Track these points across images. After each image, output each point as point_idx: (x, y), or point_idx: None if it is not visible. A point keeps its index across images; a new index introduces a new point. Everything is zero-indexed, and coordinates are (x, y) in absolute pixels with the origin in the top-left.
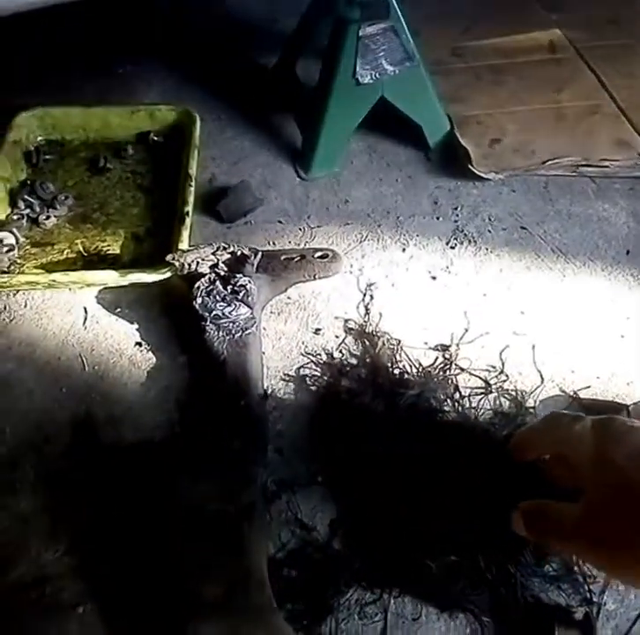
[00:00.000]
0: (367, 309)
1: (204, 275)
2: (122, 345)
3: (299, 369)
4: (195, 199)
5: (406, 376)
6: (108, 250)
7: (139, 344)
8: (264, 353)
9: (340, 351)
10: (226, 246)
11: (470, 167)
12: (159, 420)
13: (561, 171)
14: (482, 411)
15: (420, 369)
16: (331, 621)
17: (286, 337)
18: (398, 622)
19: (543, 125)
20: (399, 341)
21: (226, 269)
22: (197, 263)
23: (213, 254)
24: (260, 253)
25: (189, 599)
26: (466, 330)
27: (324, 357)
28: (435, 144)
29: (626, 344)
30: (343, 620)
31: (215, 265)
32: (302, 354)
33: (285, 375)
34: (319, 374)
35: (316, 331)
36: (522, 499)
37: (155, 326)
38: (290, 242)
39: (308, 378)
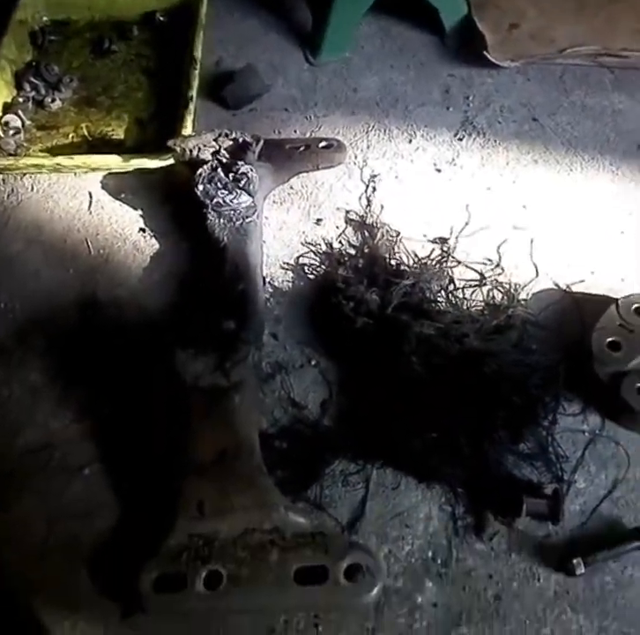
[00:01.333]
0: (368, 200)
1: (206, 162)
2: (126, 230)
3: (298, 258)
4: (200, 83)
5: (403, 267)
6: (113, 134)
7: (143, 230)
8: (264, 241)
9: (340, 241)
10: (229, 133)
11: (485, 53)
12: (161, 302)
13: (580, 60)
14: (475, 302)
15: (417, 261)
16: (317, 487)
17: (288, 226)
18: (378, 490)
19: (564, 11)
20: (399, 233)
21: (228, 156)
22: (199, 149)
23: (215, 140)
24: (262, 140)
25: (184, 462)
26: (467, 223)
27: (324, 247)
28: (451, 28)
29: (625, 240)
30: (328, 487)
31: (217, 152)
32: (302, 244)
33: (284, 263)
34: (318, 263)
35: (317, 221)
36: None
37: (159, 212)
38: (296, 131)
39: (306, 267)
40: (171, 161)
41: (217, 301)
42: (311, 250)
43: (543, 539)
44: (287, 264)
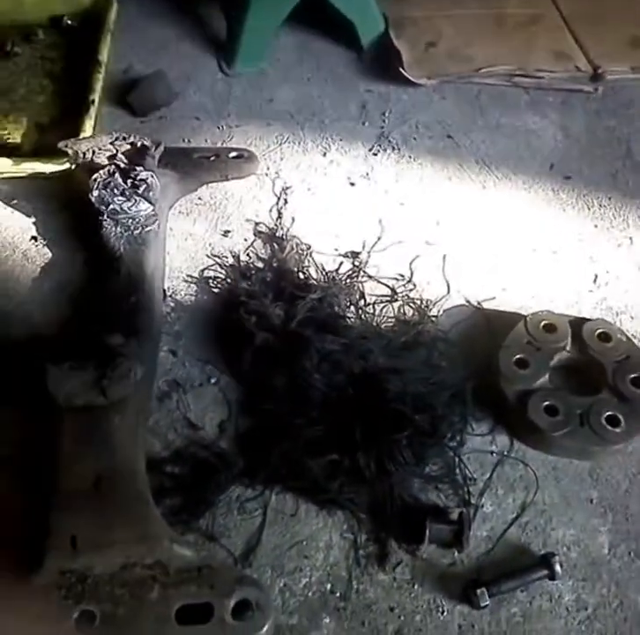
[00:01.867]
0: (279, 213)
1: (103, 167)
2: (16, 239)
3: (203, 270)
4: (107, 90)
5: (311, 281)
6: (8, 138)
7: (35, 238)
8: (168, 253)
9: (248, 254)
10: (127, 136)
11: (402, 70)
12: (50, 316)
13: (495, 80)
14: (385, 318)
15: (326, 275)
16: (210, 516)
17: (194, 238)
18: (276, 517)
19: (481, 31)
20: (309, 247)
21: (125, 161)
22: (93, 152)
23: (112, 144)
24: (162, 145)
25: (55, 490)
26: (379, 238)
27: (230, 260)
28: (369, 44)
29: (536, 257)
30: (222, 515)
31: (114, 156)
32: (208, 256)
33: (188, 276)
34: (223, 276)
35: (225, 233)
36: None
37: (54, 221)
38: (206, 140)
39: (211, 280)
40: (67, 166)
41: (105, 313)
42: (217, 263)
43: (448, 567)
44: (191, 277)
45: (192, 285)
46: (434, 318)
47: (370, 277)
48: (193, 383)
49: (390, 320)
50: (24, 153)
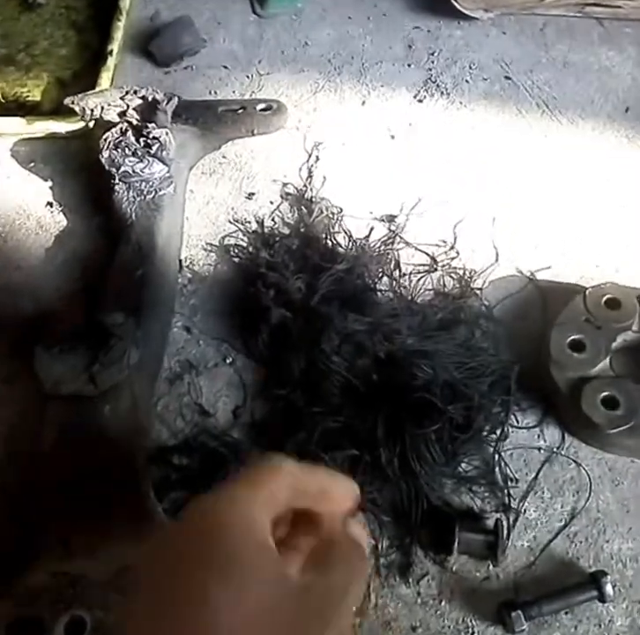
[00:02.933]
0: (310, 172)
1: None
2: (30, 205)
3: (223, 238)
4: (131, 39)
5: (340, 249)
6: (28, 96)
7: (51, 204)
8: (187, 218)
9: (273, 219)
10: (138, 89)
11: (454, 2)
12: (62, 289)
13: (564, 10)
14: (421, 292)
15: (355, 242)
16: None
17: (215, 201)
18: None
19: None
20: (340, 210)
21: (137, 118)
22: (102, 108)
23: (122, 98)
24: (176, 98)
25: (44, 487)
26: (419, 199)
27: (254, 225)
28: None
29: (603, 218)
30: None
31: (124, 113)
32: (230, 222)
33: (207, 244)
34: (245, 245)
35: (249, 195)
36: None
37: (71, 185)
38: (234, 91)
39: (231, 249)
40: (83, 124)
41: (108, 288)
42: (239, 229)
43: (481, 583)
44: (211, 244)
45: (212, 254)
46: (478, 291)
47: (407, 243)
48: (207, 363)
49: (427, 294)
50: (44, 112)
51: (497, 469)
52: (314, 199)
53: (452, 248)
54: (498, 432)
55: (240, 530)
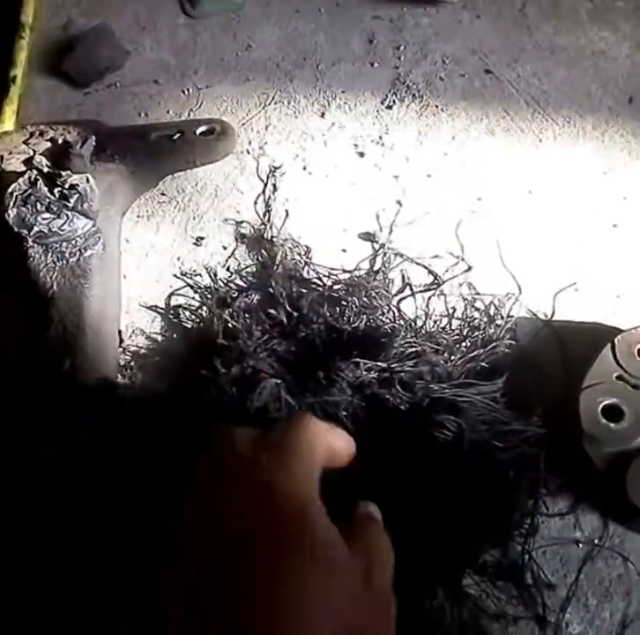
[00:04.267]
0: (267, 205)
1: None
2: None
3: (169, 297)
4: (39, 58)
5: (315, 292)
6: None
7: None
8: (125, 277)
9: (228, 268)
10: (44, 129)
11: None
12: None
13: None
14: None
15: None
16: None
17: (157, 251)
18: None
19: None
20: (308, 250)
21: (48, 163)
22: (1, 158)
23: (25, 143)
24: (92, 138)
25: None
26: (392, 225)
27: (206, 278)
28: None
29: (618, 236)
30: None
31: (30, 160)
32: (176, 277)
33: (151, 307)
34: (197, 304)
35: (198, 240)
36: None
37: None
38: (169, 111)
39: (181, 312)
40: None
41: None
42: (188, 284)
43: None
44: (155, 307)
45: (157, 318)
46: (508, 329)
47: (403, 256)
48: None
49: (441, 321)
50: None
51: (528, 572)
52: (275, 239)
53: (463, 260)
54: (527, 524)
55: (311, 506)
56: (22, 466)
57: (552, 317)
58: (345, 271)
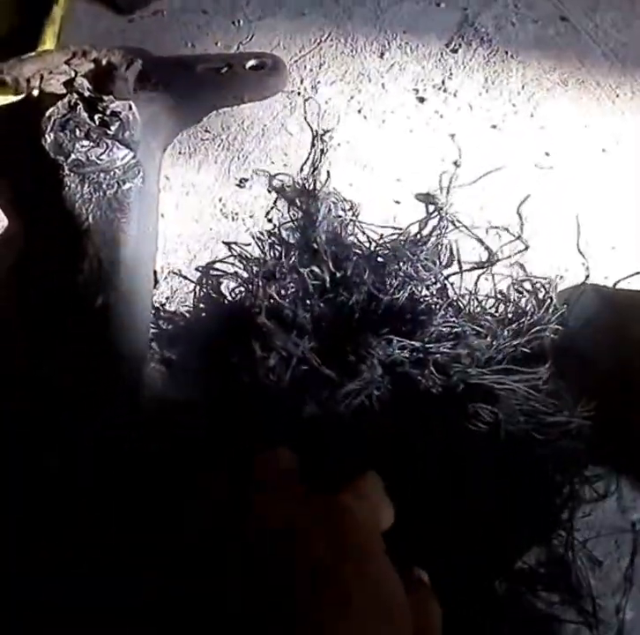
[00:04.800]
0: (314, 162)
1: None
2: None
3: (210, 264)
4: None
5: (360, 255)
6: None
7: None
8: (162, 216)
9: (269, 219)
10: (88, 50)
11: None
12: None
13: None
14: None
15: (382, 241)
16: None
17: (198, 191)
18: None
19: None
20: (353, 205)
21: (90, 88)
22: (42, 77)
23: (67, 63)
24: (139, 61)
25: None
26: (453, 177)
27: (248, 225)
28: None
29: None
30: None
31: (71, 82)
32: (217, 218)
33: (189, 249)
34: (236, 255)
35: (241, 182)
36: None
37: (6, 178)
38: (217, 43)
39: (216, 278)
40: (18, 98)
41: (57, 324)
42: (230, 249)
43: None
44: (194, 250)
45: (196, 258)
46: (559, 310)
47: (465, 226)
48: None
49: (486, 302)
50: None
51: (573, 566)
52: (319, 193)
53: (519, 237)
54: (567, 511)
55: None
56: (25, 475)
57: (614, 298)
58: (394, 229)
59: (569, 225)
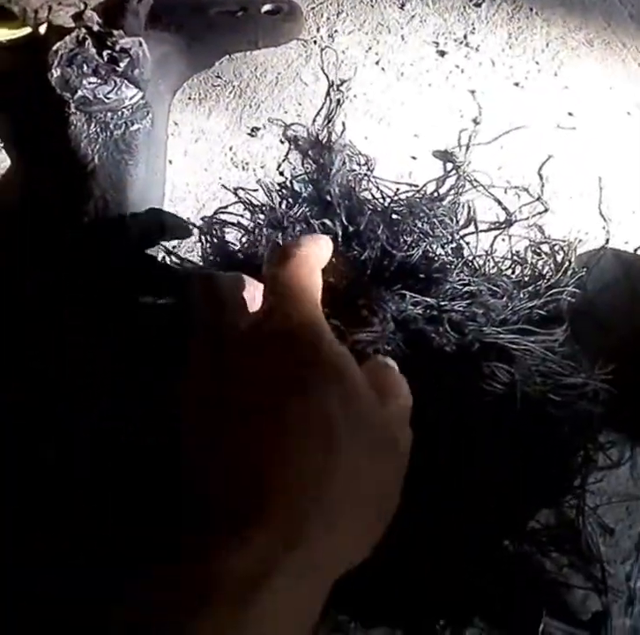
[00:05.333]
0: (329, 113)
1: (70, 31)
2: None
3: (217, 211)
4: None
5: (374, 210)
6: None
7: None
8: (170, 162)
9: (281, 172)
10: None
11: None
12: None
13: None
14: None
15: (396, 195)
16: None
17: (208, 138)
18: None
19: None
20: (368, 160)
21: (99, 22)
22: (50, 8)
23: None
24: None
25: None
26: (473, 134)
27: (258, 176)
28: None
29: None
30: None
31: (80, 15)
32: (227, 167)
33: (198, 198)
34: (243, 202)
35: (253, 130)
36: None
37: (11, 113)
38: None
39: (221, 227)
40: (26, 31)
41: (62, 267)
42: (237, 196)
43: None
44: (202, 199)
45: (205, 208)
46: (578, 274)
47: (483, 186)
48: None
49: (504, 265)
50: None
51: (584, 533)
52: (334, 145)
53: (539, 199)
54: (580, 477)
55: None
56: (21, 467)
57: (634, 264)
58: (410, 185)
59: (591, 188)
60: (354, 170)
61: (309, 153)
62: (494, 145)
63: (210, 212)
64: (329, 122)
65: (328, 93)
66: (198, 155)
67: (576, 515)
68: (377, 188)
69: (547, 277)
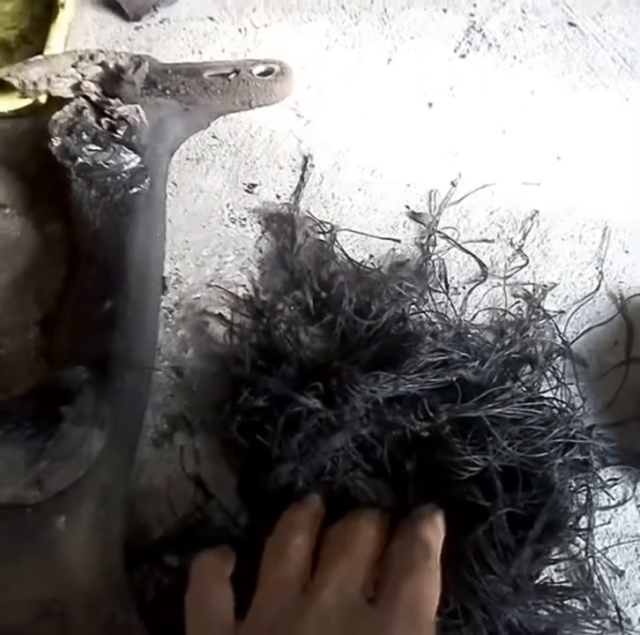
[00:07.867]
0: (303, 171)
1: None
2: None
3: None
4: None
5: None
6: None
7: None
8: (170, 221)
9: (260, 249)
10: (95, 53)
11: None
12: (10, 324)
13: None
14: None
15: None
16: None
17: (206, 196)
18: None
19: None
20: (332, 228)
21: (97, 91)
22: (48, 80)
23: (74, 66)
24: (146, 63)
25: None
26: (454, 185)
27: (256, 231)
28: None
29: None
30: None
31: (79, 85)
32: (225, 223)
33: (197, 255)
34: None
35: (250, 187)
36: None
37: (17, 181)
38: (224, 50)
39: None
40: (27, 102)
41: (61, 330)
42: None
43: None
44: (202, 256)
45: (206, 263)
46: (553, 315)
47: (456, 244)
48: (204, 417)
49: (482, 317)
50: None
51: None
52: (295, 216)
53: (519, 250)
54: (585, 520)
55: None
56: None
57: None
58: (394, 239)
59: (581, 231)
60: (320, 240)
61: (279, 228)
62: (483, 193)
63: (210, 269)
64: (297, 195)
65: (304, 166)
66: (198, 213)
67: (585, 558)
68: (345, 254)
69: (523, 326)
